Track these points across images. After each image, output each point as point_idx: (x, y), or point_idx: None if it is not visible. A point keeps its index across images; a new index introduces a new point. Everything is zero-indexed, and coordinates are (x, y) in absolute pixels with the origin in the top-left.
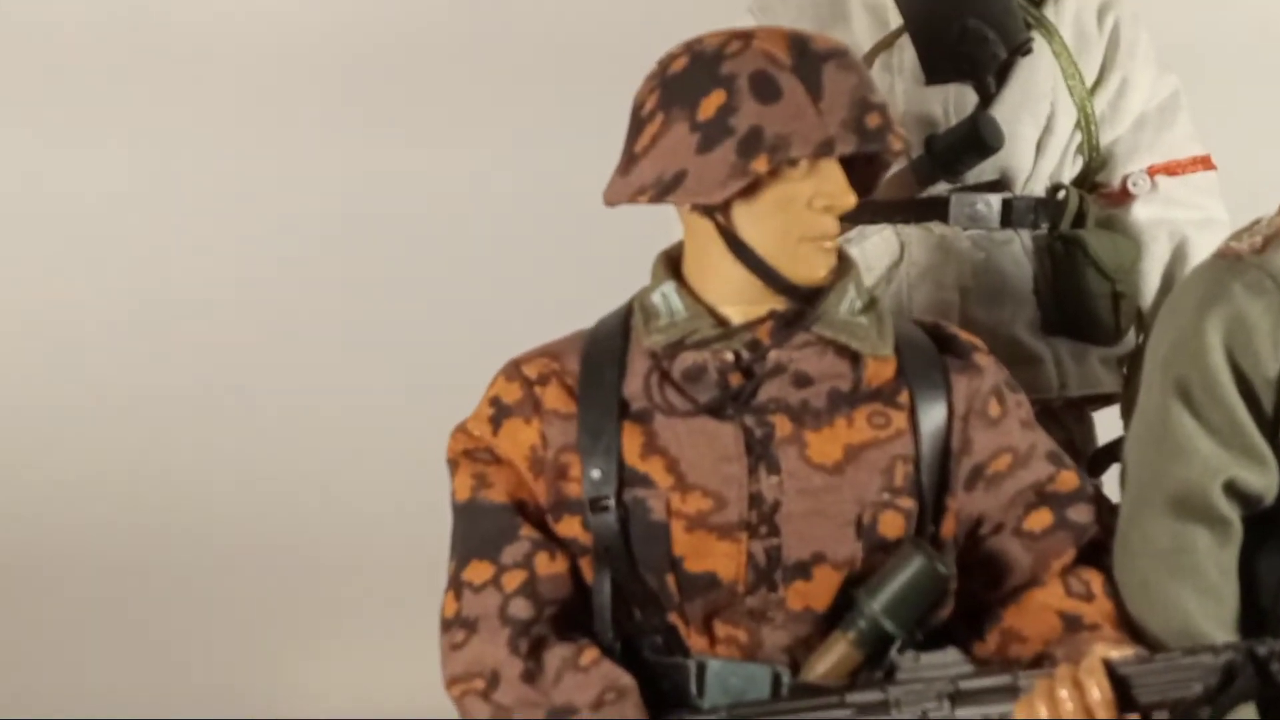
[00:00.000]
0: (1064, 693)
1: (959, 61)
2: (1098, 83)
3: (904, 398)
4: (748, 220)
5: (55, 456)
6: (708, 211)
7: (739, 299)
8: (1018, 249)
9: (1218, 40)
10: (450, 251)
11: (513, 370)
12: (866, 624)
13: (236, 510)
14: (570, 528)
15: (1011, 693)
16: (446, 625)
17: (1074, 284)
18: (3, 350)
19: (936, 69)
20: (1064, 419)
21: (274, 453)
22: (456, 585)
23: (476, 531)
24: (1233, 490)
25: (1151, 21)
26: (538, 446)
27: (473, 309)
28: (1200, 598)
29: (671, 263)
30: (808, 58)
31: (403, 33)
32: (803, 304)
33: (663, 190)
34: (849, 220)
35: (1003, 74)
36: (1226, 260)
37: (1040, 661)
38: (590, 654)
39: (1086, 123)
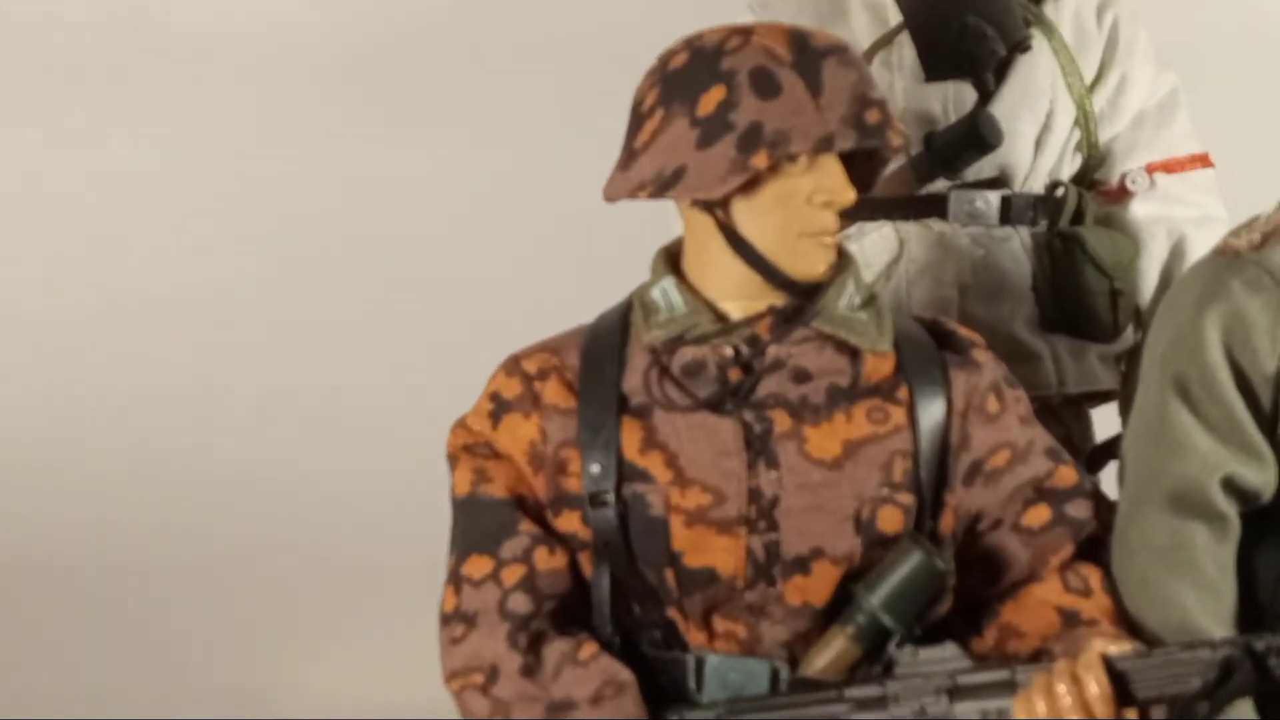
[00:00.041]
0: (1062, 688)
1: (958, 59)
2: (1096, 80)
3: (903, 393)
4: (747, 216)
5: (54, 457)
6: (707, 207)
7: (738, 294)
8: (1016, 246)
9: (1216, 38)
10: (450, 251)
11: (512, 365)
12: (865, 619)
13: (236, 510)
14: (569, 523)
15: (1009, 688)
16: (446, 620)
17: (1072, 281)
18: (2, 350)
19: (936, 66)
20: (1062, 416)
21: (274, 453)
22: (456, 580)
23: (476, 526)
24: (1231, 486)
25: (1150, 20)
26: (537, 441)
27: (473, 309)
28: (1198, 593)
29: (671, 258)
30: (808, 54)
31: (403, 33)
32: (802, 299)
33: (662, 186)
34: (848, 217)
35: (1002, 71)
36: (1225, 257)
37: (1038, 657)
38: (589, 649)
39: (1085, 120)
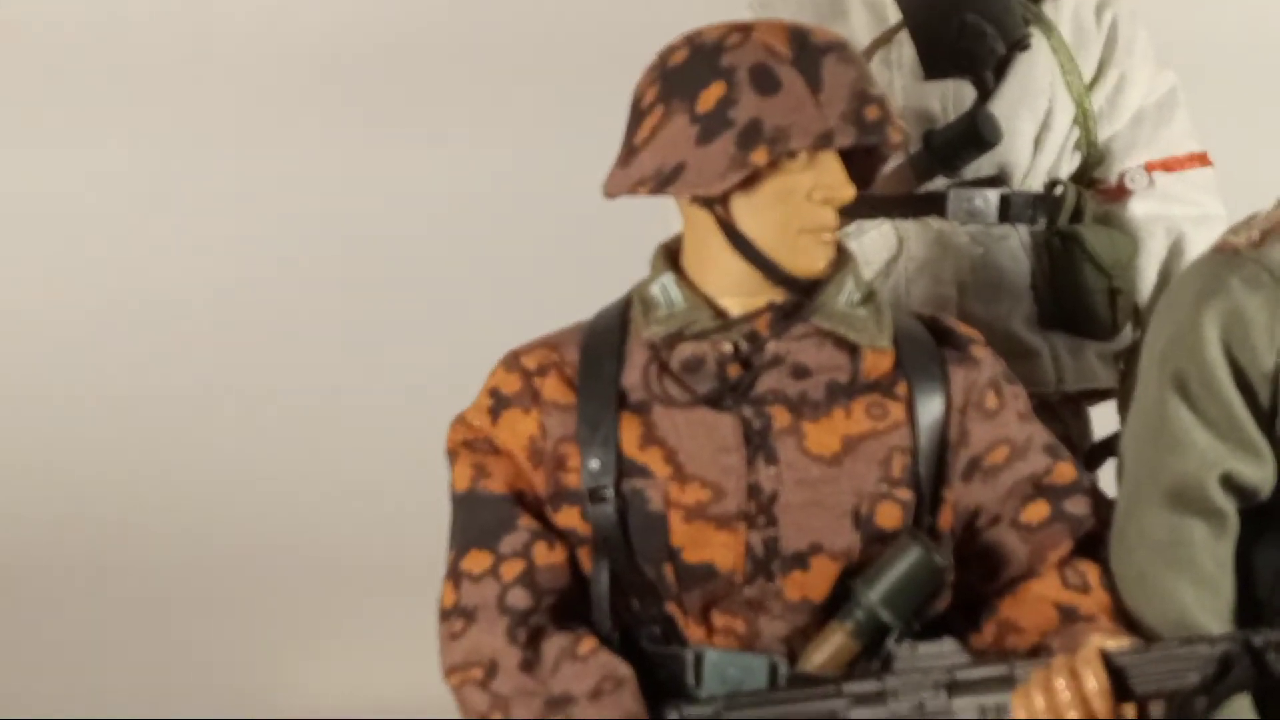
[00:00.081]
0: (1060, 682)
1: (957, 57)
2: (1095, 79)
3: (902, 389)
4: (747, 212)
5: (54, 457)
6: (707, 203)
7: (738, 290)
8: (1015, 244)
9: (1215, 37)
10: (450, 250)
11: (512, 361)
12: (864, 614)
13: (236, 510)
14: (569, 518)
15: (1008, 683)
16: (445, 615)
17: (1071, 279)
18: (2, 351)
19: (935, 64)
20: (1061, 414)
21: (274, 453)
22: (455, 575)
23: (475, 521)
24: (1229, 483)
25: (1149, 19)
26: (536, 437)
27: (473, 309)
28: (1196, 589)
29: (670, 254)
30: (807, 50)
31: (402, 33)
32: (801, 296)
33: (662, 182)
34: (847, 215)
35: (1001, 69)
36: (1224, 254)
37: (1037, 652)
38: (588, 644)
39: (1084, 119)
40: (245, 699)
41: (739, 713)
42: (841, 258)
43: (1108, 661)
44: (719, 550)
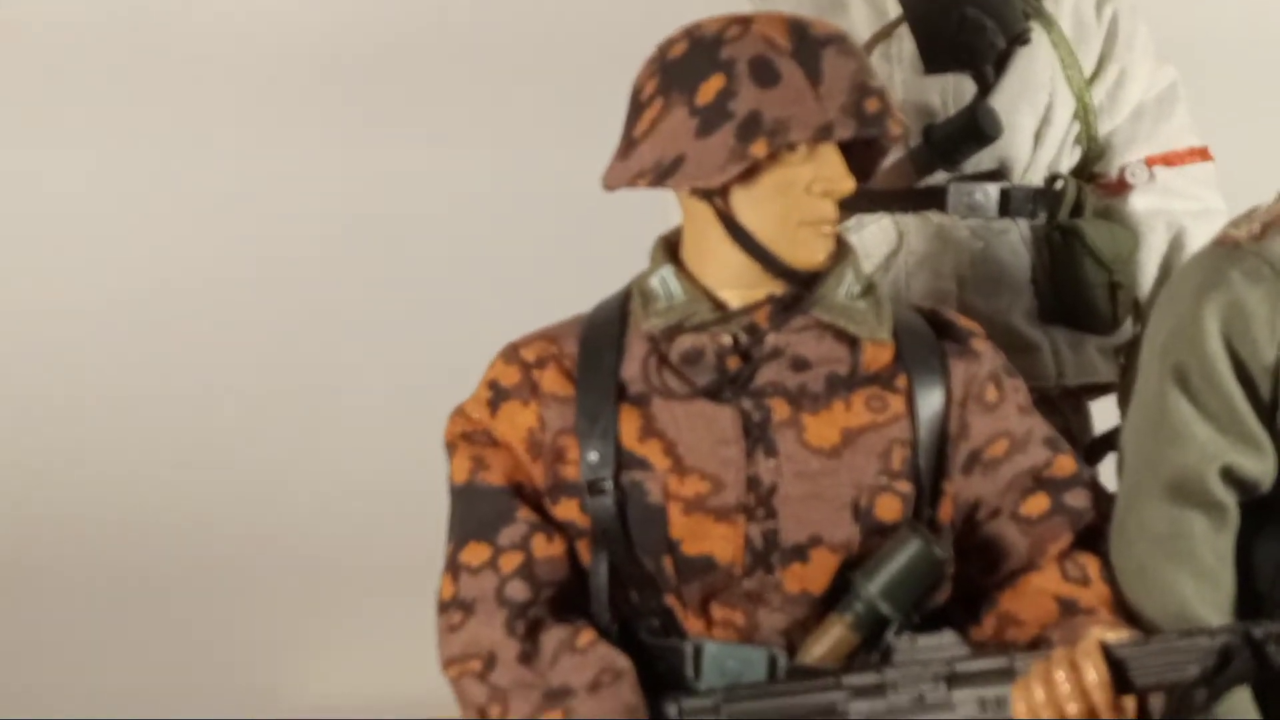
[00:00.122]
0: (1060, 675)
1: (957, 51)
2: (1096, 73)
3: (901, 382)
4: (746, 204)
5: (53, 457)
6: (706, 195)
7: (737, 283)
8: (1015, 238)
9: (1216, 32)
10: (449, 250)
11: (511, 353)
12: (863, 607)
13: (236, 510)
14: (568, 510)
15: (1008, 675)
16: (443, 607)
17: (1071, 273)
18: (2, 351)
19: (935, 58)
20: (1061, 408)
21: (273, 453)
22: (454, 567)
23: (474, 514)
24: (1229, 476)
25: (1149, 14)
26: (535, 429)
27: (473, 309)
28: (1196, 582)
29: (670, 247)
30: (807, 43)
31: (403, 32)
32: (801, 288)
33: (662, 174)
34: (847, 209)
35: (1001, 64)
36: (1225, 247)
37: (1037, 645)
38: (587, 636)
39: (1084, 113)
40: (245, 698)
41: (738, 705)
42: (841, 250)
43: (1108, 654)
44: (718, 542)
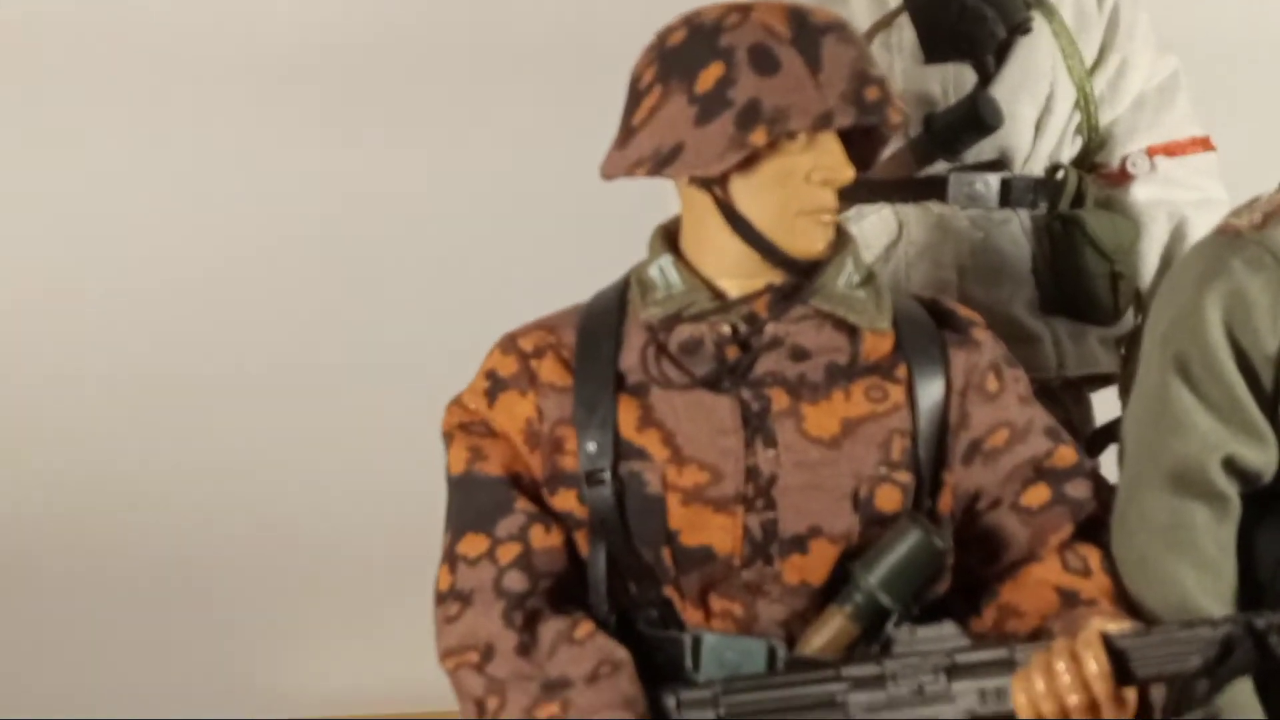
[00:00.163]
0: (1061, 666)
1: (958, 40)
2: (1097, 63)
3: (901, 372)
4: (745, 193)
5: (52, 457)
6: (705, 184)
7: (736, 272)
8: (1016, 229)
9: (1217, 21)
10: (448, 244)
11: (508, 343)
12: (863, 598)
13: (235, 509)
14: (566, 501)
15: (1008, 666)
16: (441, 598)
17: (1072, 264)
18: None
19: (935, 48)
20: (1062, 399)
21: (273, 451)
22: (451, 558)
23: (471, 504)
24: (1231, 467)
25: (1151, 4)
26: (533, 419)
27: (472, 302)
28: (1198, 573)
29: (669, 236)
30: (807, 30)
31: (393, 26)
32: (800, 277)
33: (660, 163)
34: (847, 199)
35: (1002, 53)
36: (1226, 236)
37: (1037, 636)
38: (585, 627)
39: (1085, 103)
40: (245, 698)
41: (737, 697)
42: (841, 239)
43: (1109, 645)
44: (717, 533)
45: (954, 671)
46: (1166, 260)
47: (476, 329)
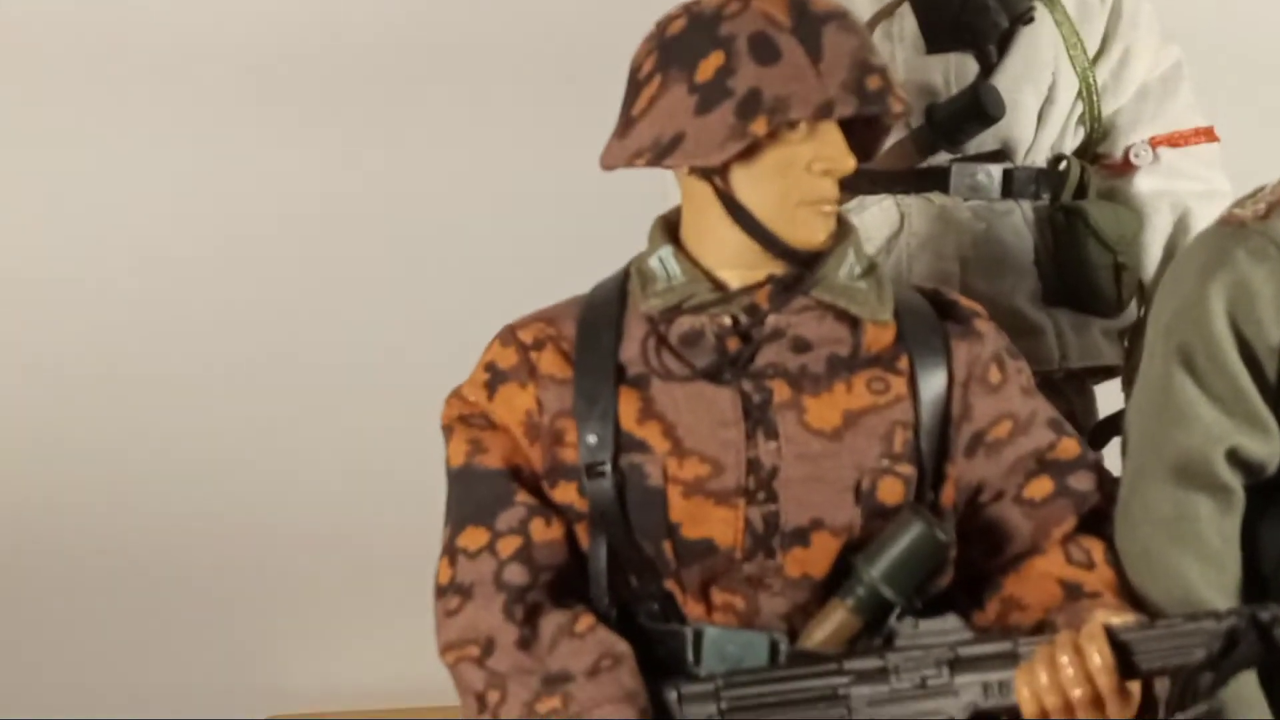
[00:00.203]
0: (1065, 659)
1: (960, 30)
2: (1100, 53)
3: (903, 363)
4: (746, 183)
5: (52, 457)
6: (706, 174)
7: (737, 263)
8: (1019, 220)
9: (1220, 11)
10: (446, 239)
11: (508, 335)
12: (865, 591)
13: (234, 509)
14: (566, 494)
15: (1011, 659)
16: (441, 592)
17: (1075, 255)
18: None
19: (937, 38)
20: (1065, 391)
21: (272, 451)
22: (451, 551)
23: (471, 497)
24: (1235, 458)
25: None
26: (533, 412)
27: (471, 298)
28: (1202, 565)
29: (669, 227)
30: (807, 19)
31: (392, 25)
32: (801, 268)
33: (660, 153)
34: (848, 190)
35: (1004, 43)
36: (1230, 227)
37: (1041, 629)
38: (586, 621)
39: (1088, 93)
40: (246, 696)
41: (738, 690)
42: (842, 230)
43: (1112, 638)
44: (718, 526)
45: (957, 665)
46: (1169, 251)
47: (476, 322)
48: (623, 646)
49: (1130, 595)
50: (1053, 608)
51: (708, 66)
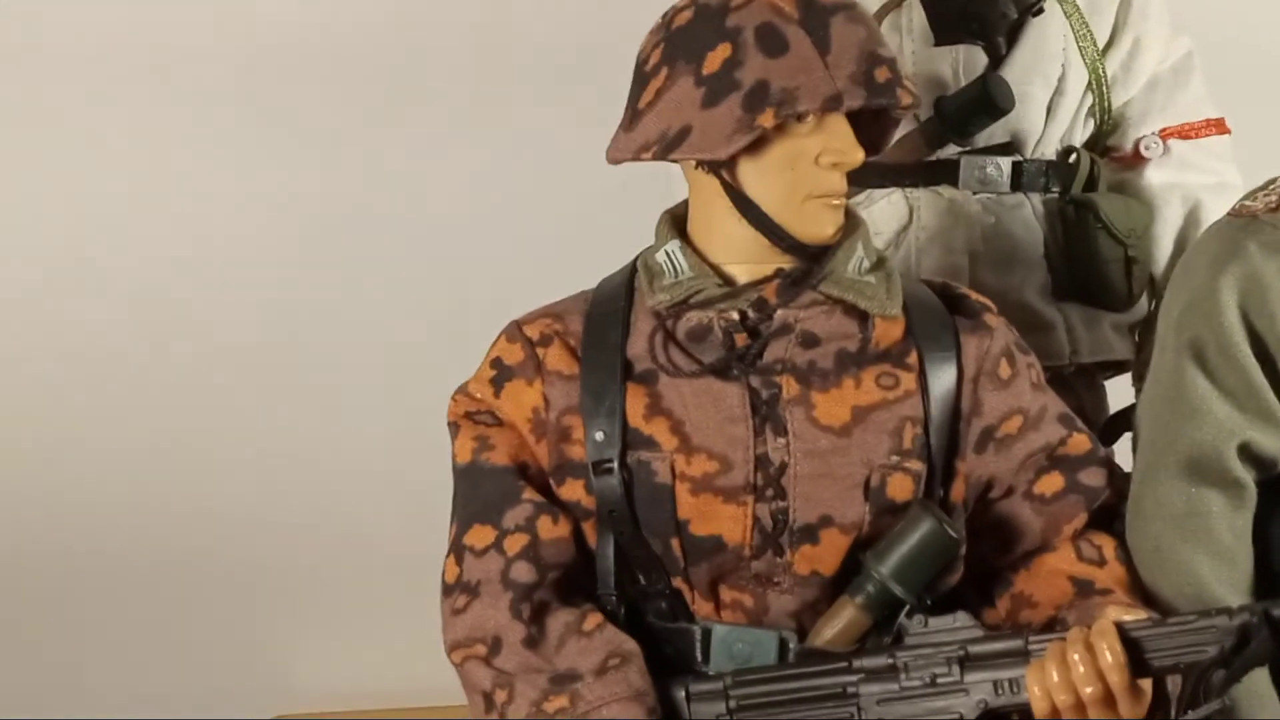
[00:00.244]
0: (1076, 656)
1: (968, 22)
2: (1109, 44)
3: (913, 358)
4: (754, 177)
5: (52, 456)
6: (713, 168)
7: (745, 258)
8: (1028, 213)
9: (1232, 1)
10: (453, 239)
11: (514, 331)
12: (875, 588)
13: (234, 509)
14: (573, 491)
15: (1022, 657)
16: (448, 590)
17: (1085, 248)
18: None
19: (945, 29)
20: (1075, 386)
21: (276, 450)
22: (458, 549)
23: (478, 495)
24: (1247, 453)
25: None
26: (540, 408)
27: (478, 296)
28: (1213, 562)
29: (676, 222)
30: (815, 10)
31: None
32: (810, 263)
33: (667, 146)
34: (857, 183)
35: (1013, 35)
36: (1241, 219)
37: (1051, 626)
38: (593, 619)
39: (1098, 84)
40: (248, 696)
41: (747, 689)
42: (851, 223)
43: (1123, 635)
44: (726, 523)
45: (967, 662)
46: (1180, 244)
47: (482, 318)
48: (631, 645)
49: (1141, 591)
50: (1063, 605)
51: (715, 59)
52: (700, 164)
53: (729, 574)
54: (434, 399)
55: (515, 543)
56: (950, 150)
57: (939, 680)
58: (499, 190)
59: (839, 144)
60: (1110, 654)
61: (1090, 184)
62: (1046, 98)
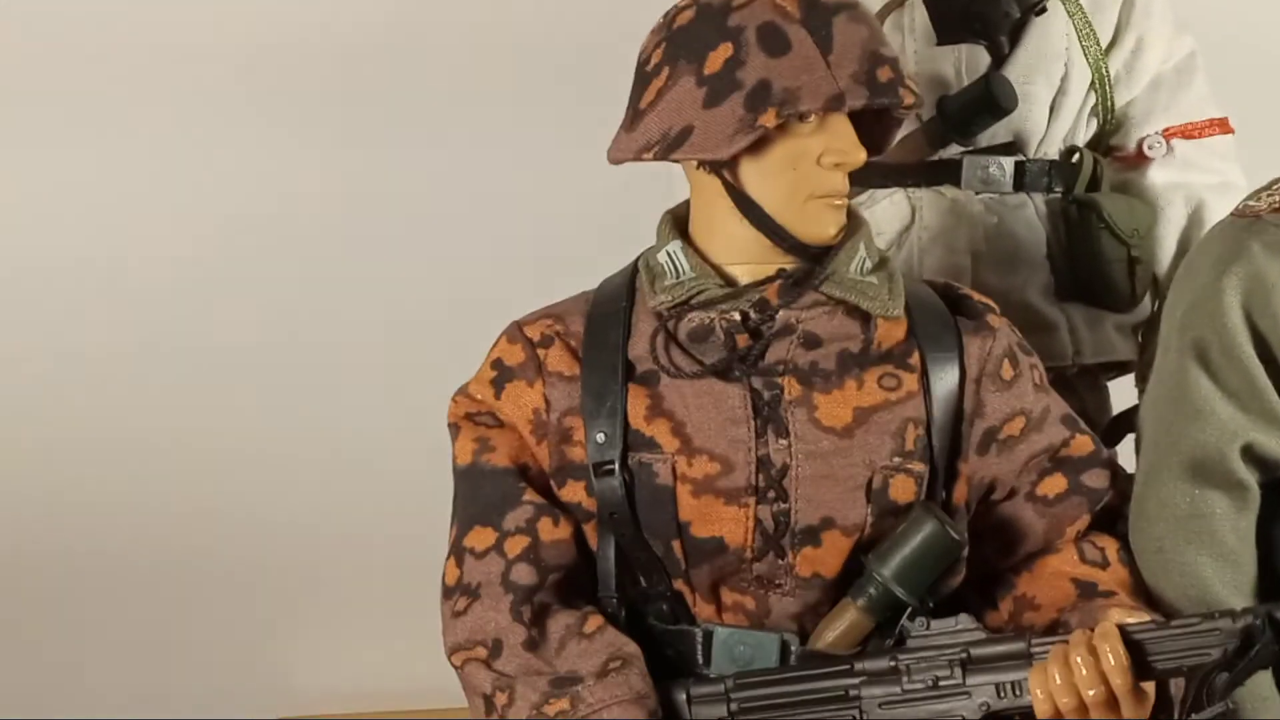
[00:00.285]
0: (1079, 659)
1: (971, 21)
2: (1113, 43)
3: (915, 359)
4: (756, 177)
5: (52, 456)
6: (715, 168)
7: (746, 258)
8: (1031, 213)
9: (1237, 2)
10: (453, 240)
11: (515, 332)
12: (877, 591)
13: (234, 508)
14: (574, 493)
15: (1025, 659)
16: (448, 592)
17: (1089, 248)
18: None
19: (948, 28)
20: (1078, 387)
21: (276, 451)
22: (458, 551)
23: (479, 496)
24: (1251, 455)
25: None
26: (541, 410)
27: (478, 297)
28: (1217, 564)
29: (678, 222)
30: (817, 10)
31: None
32: (811, 263)
33: (668, 147)
34: (859, 183)
35: (1016, 34)
36: (1245, 219)
37: (1054, 629)
38: (594, 621)
39: (1101, 84)
40: (248, 697)
41: (749, 692)
42: (853, 224)
43: (1126, 637)
44: (728, 525)
45: (969, 665)
46: (1184, 245)
47: (483, 318)
48: (632, 647)
49: (1144, 594)
50: (1066, 607)
51: (716, 58)
52: (702, 164)
53: (730, 576)
54: (434, 399)
55: (516, 545)
56: (953, 150)
57: (941, 683)
58: (499, 190)
59: (841, 144)
60: (1113, 656)
61: (1093, 184)
62: (1049, 97)
